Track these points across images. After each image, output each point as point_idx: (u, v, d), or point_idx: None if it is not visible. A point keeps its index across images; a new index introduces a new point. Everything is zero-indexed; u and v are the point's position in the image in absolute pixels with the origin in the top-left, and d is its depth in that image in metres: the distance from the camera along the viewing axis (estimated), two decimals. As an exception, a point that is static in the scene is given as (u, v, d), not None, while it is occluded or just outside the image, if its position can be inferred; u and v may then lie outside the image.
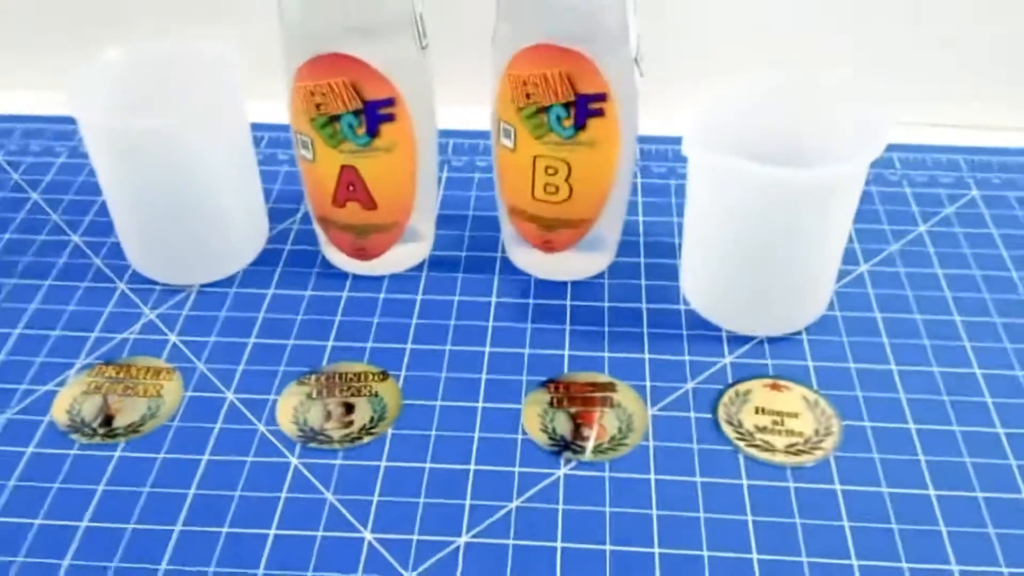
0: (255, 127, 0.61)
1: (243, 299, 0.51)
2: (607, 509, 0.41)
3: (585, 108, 0.45)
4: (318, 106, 0.46)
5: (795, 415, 0.45)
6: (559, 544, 0.40)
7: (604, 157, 0.47)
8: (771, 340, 0.49)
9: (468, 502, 0.41)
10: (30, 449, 0.43)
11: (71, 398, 0.45)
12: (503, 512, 0.41)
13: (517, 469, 0.42)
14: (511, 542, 0.40)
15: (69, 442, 0.44)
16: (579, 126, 0.46)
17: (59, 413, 0.45)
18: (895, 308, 0.51)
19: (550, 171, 0.48)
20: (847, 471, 0.42)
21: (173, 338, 0.49)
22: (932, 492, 0.42)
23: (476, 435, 0.44)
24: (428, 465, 0.43)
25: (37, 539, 0.39)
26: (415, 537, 0.40)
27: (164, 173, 0.47)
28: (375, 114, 0.46)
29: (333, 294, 0.51)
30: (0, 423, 0.44)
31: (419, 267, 0.53)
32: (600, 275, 0.53)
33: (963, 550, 0.39)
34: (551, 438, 0.44)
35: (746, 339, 0.49)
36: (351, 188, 0.49)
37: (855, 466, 0.43)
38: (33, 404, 0.45)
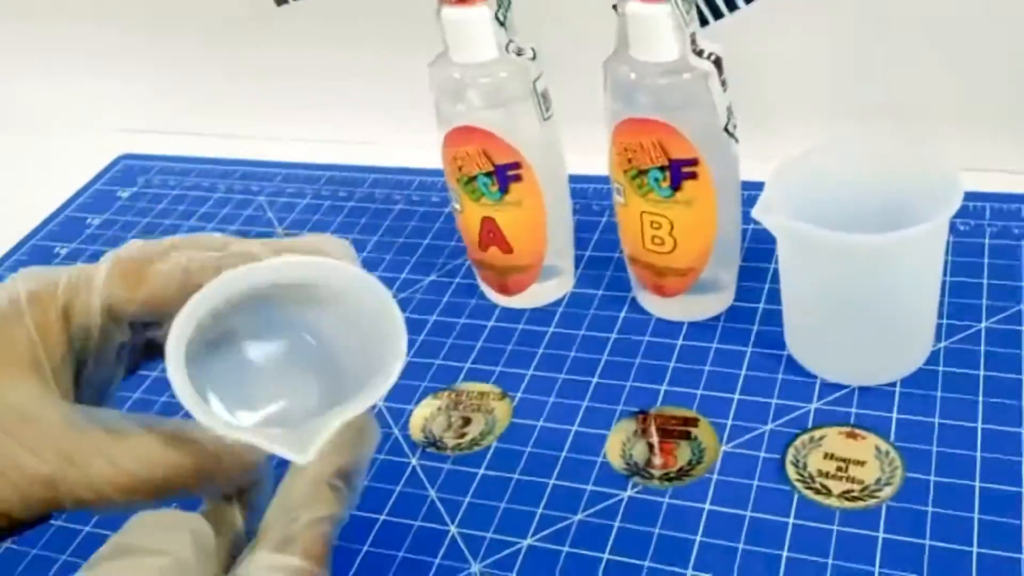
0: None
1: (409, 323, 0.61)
2: (656, 530, 0.46)
3: (679, 171, 0.51)
4: (460, 167, 0.55)
5: (861, 463, 0.48)
6: (606, 556, 0.46)
7: (702, 214, 0.52)
8: (862, 390, 0.51)
9: (540, 511, 0.48)
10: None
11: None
12: (566, 523, 0.47)
13: (590, 487, 0.49)
14: (566, 549, 0.46)
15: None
16: (675, 187, 0.51)
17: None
18: (1003, 367, 0.51)
19: (655, 225, 0.53)
20: (895, 520, 0.45)
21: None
22: (975, 550, 0.43)
23: (563, 454, 0.51)
24: (516, 476, 0.50)
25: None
26: (489, 535, 0.47)
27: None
28: (504, 175, 0.55)
29: (480, 322, 0.60)
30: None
31: (558, 302, 0.61)
32: (716, 317, 0.57)
33: (989, 609, 0.41)
34: (627, 463, 0.50)
35: (839, 387, 0.51)
36: (491, 235, 0.57)
37: (905, 516, 0.45)
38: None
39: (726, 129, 0.50)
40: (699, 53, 0.48)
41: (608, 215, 0.67)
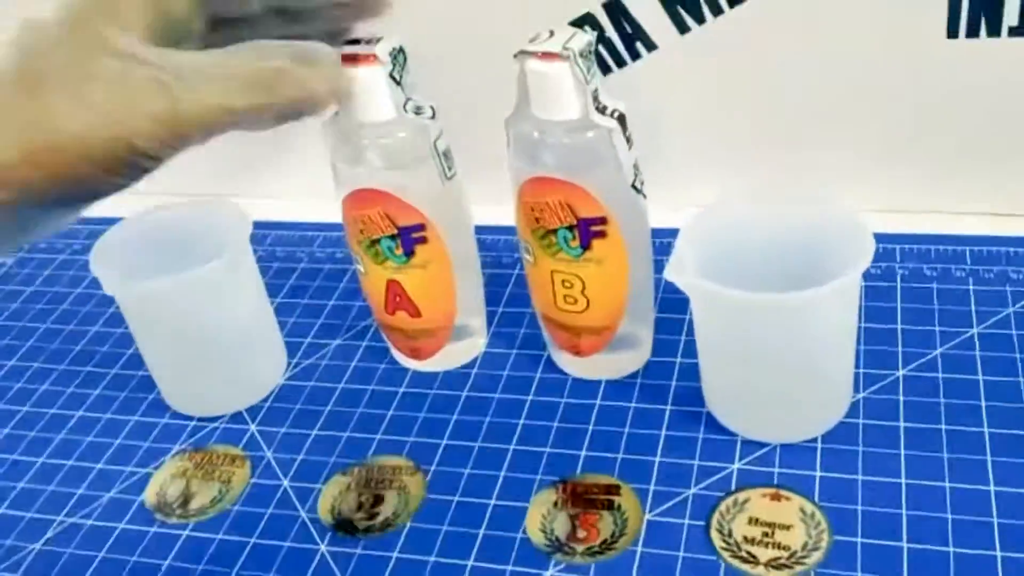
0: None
1: (316, 392, 0.58)
2: (580, 612, 0.44)
3: (588, 230, 0.49)
4: (361, 230, 0.53)
5: (787, 527, 0.46)
6: (528, 643, 0.43)
7: (614, 272, 0.51)
8: (784, 447, 0.50)
9: (457, 597, 0.46)
10: (121, 525, 0.52)
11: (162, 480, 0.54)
12: (486, 608, 0.45)
13: (510, 567, 0.46)
14: (486, 638, 0.44)
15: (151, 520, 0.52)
16: (585, 246, 0.49)
17: (150, 495, 0.54)
18: (922, 417, 0.50)
19: (567, 284, 0.51)
20: (823, 589, 0.43)
21: (252, 428, 0.57)
22: (905, 617, 0.42)
23: (481, 531, 0.48)
24: (432, 559, 0.47)
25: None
26: (405, 626, 0.45)
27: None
28: (409, 237, 0.52)
29: (391, 389, 0.58)
30: (104, 501, 0.54)
31: (472, 363, 0.58)
32: (634, 374, 0.56)
33: None
34: (547, 538, 0.48)
35: (760, 445, 0.50)
36: (398, 299, 0.55)
37: (833, 584, 0.43)
38: (132, 485, 0.55)
39: (633, 186, 0.49)
40: (602, 110, 0.46)
41: (519, 268, 0.65)
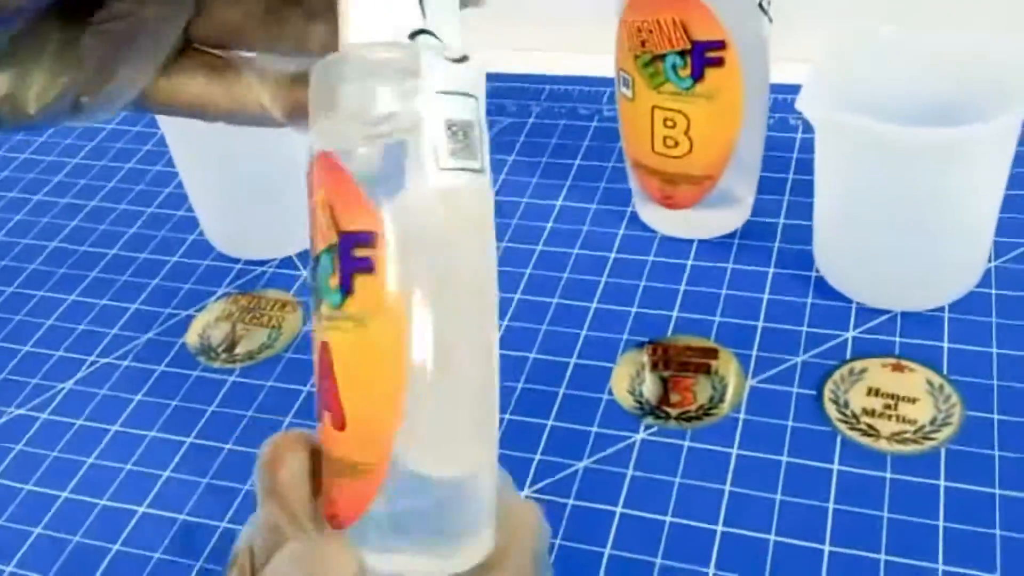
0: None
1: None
2: (676, 479, 0.39)
3: (702, 57, 0.43)
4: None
5: (913, 400, 0.41)
6: (619, 509, 0.38)
7: (725, 110, 0.44)
8: (906, 316, 0.44)
9: (538, 457, 0.41)
10: (160, 367, 0.47)
11: (205, 323, 0.49)
12: (570, 471, 0.40)
13: (595, 429, 0.41)
14: (571, 502, 0.39)
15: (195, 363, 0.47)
16: (696, 77, 0.43)
17: (192, 337, 0.49)
18: (1064, 290, 0.44)
19: (668, 123, 0.45)
20: (957, 467, 0.38)
21: (305, 273, 0.51)
22: (1054, 500, 0.37)
23: (561, 391, 0.43)
24: (508, 416, 0.42)
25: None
26: (478, 485, 0.40)
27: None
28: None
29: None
30: (142, 342, 0.49)
31: (547, 216, 0.53)
32: (731, 234, 0.50)
33: (1077, 570, 0.34)
34: (637, 401, 0.42)
35: (878, 313, 0.44)
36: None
37: (968, 461, 0.38)
38: (173, 327, 0.50)
39: (760, 4, 0.42)
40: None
41: (598, 119, 0.59)
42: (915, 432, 0.40)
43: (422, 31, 0.24)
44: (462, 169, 0.24)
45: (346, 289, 0.24)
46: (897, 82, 0.42)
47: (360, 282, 0.24)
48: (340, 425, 0.25)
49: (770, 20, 0.43)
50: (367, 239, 0.24)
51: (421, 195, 0.24)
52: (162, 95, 0.27)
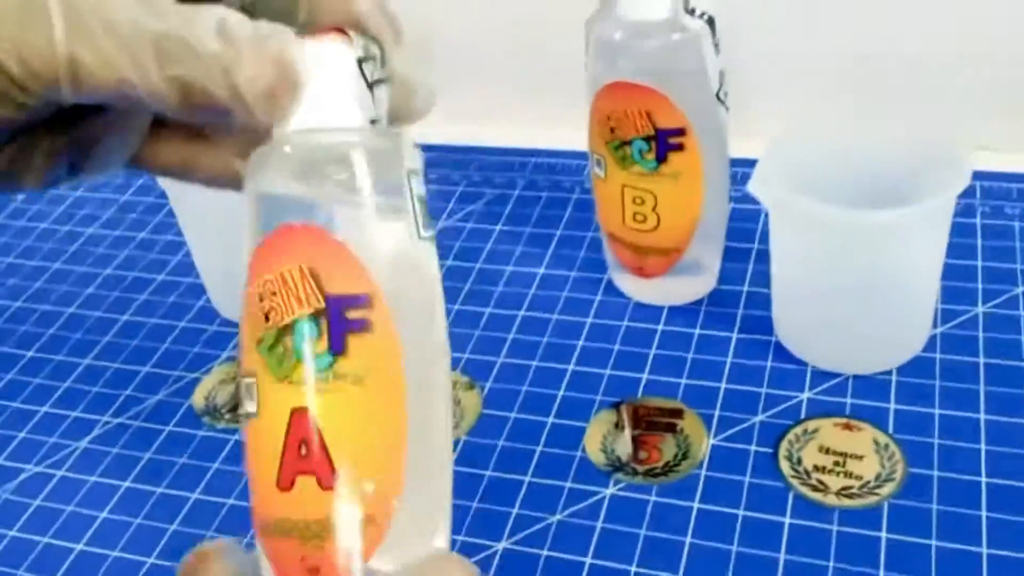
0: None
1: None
2: (642, 531, 0.43)
3: (665, 142, 0.47)
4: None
5: (860, 457, 0.44)
6: (588, 560, 0.42)
7: (688, 189, 0.49)
8: (857, 379, 0.48)
9: (515, 511, 0.44)
10: (169, 427, 0.51)
11: (211, 385, 0.53)
12: (544, 524, 0.43)
13: (568, 484, 0.45)
14: (545, 552, 0.42)
15: (199, 423, 0.51)
16: (660, 159, 0.47)
17: (198, 399, 0.52)
18: (1003, 354, 0.48)
19: (637, 201, 0.49)
20: (899, 520, 0.42)
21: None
22: (984, 551, 0.40)
23: (539, 448, 0.47)
24: (488, 473, 0.46)
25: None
26: (460, 538, 0.43)
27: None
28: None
29: (447, 306, 0.56)
30: (151, 404, 0.53)
31: (529, 284, 0.57)
32: (699, 301, 0.54)
33: (1004, 616, 0.38)
34: (608, 458, 0.46)
35: (831, 376, 0.48)
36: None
37: (909, 515, 0.42)
38: (180, 389, 0.53)
39: (717, 96, 0.46)
40: (691, 12, 0.44)
41: (579, 191, 0.63)
42: (860, 487, 0.43)
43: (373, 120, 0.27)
44: (431, 237, 0.27)
45: (337, 350, 0.25)
46: (844, 165, 0.46)
47: (355, 342, 0.25)
48: (328, 486, 0.25)
49: (727, 109, 0.47)
50: (362, 300, 0.25)
51: (405, 259, 0.26)
52: (147, 159, 0.30)
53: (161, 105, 0.25)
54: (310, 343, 0.25)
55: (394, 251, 0.26)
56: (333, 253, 0.25)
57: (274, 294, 0.26)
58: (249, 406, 0.27)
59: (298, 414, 0.25)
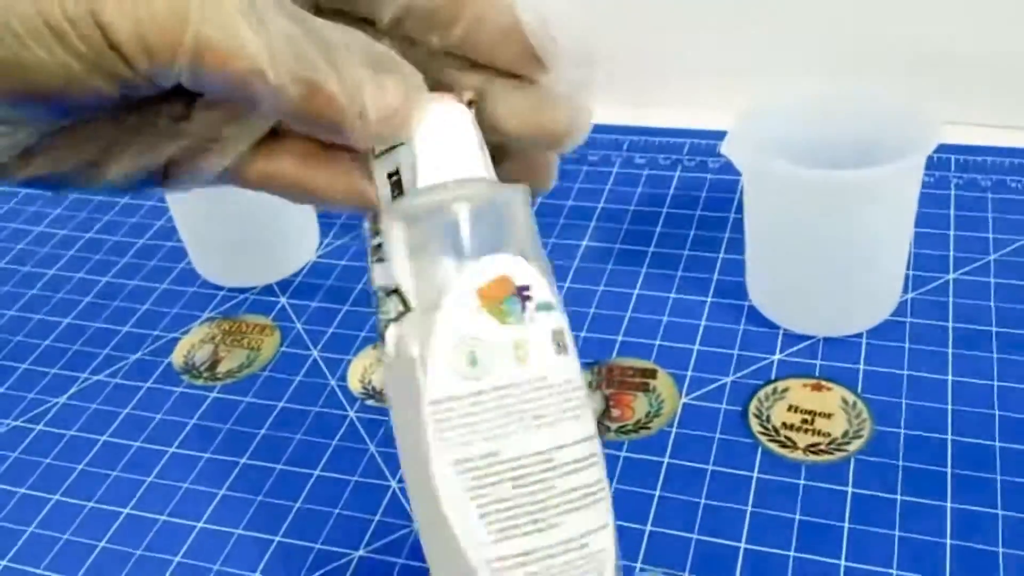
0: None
1: (348, 271, 0.57)
2: (613, 485, 0.43)
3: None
4: None
5: (828, 415, 0.45)
6: (559, 511, 0.42)
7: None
8: (828, 341, 0.48)
9: (488, 465, 0.45)
10: (147, 384, 0.52)
11: (190, 345, 0.54)
12: (516, 477, 0.44)
13: (541, 440, 0.46)
14: (516, 504, 0.43)
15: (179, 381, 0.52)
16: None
17: (177, 357, 0.53)
18: (972, 319, 0.49)
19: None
20: (865, 475, 0.42)
21: (283, 300, 0.56)
22: (948, 504, 0.41)
23: (513, 406, 0.47)
24: (462, 429, 0.47)
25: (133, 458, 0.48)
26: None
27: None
28: None
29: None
30: (131, 362, 0.53)
31: (508, 250, 0.57)
32: (675, 267, 0.54)
33: (965, 567, 0.38)
34: (581, 415, 0.47)
35: (803, 338, 0.49)
36: None
37: (875, 471, 0.42)
38: (160, 348, 0.54)
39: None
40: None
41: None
42: (828, 444, 0.44)
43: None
44: None
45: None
46: (814, 129, 0.47)
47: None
48: None
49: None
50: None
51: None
52: (253, 175, 0.28)
53: (278, 103, 0.24)
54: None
55: None
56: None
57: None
58: None
59: None
